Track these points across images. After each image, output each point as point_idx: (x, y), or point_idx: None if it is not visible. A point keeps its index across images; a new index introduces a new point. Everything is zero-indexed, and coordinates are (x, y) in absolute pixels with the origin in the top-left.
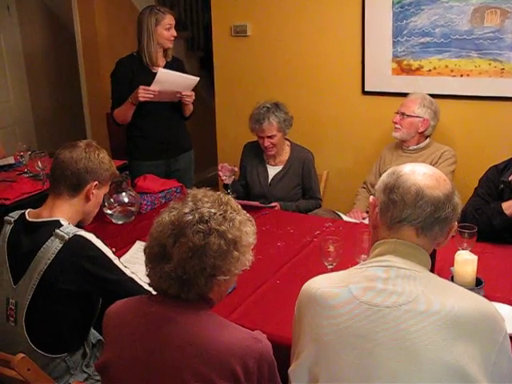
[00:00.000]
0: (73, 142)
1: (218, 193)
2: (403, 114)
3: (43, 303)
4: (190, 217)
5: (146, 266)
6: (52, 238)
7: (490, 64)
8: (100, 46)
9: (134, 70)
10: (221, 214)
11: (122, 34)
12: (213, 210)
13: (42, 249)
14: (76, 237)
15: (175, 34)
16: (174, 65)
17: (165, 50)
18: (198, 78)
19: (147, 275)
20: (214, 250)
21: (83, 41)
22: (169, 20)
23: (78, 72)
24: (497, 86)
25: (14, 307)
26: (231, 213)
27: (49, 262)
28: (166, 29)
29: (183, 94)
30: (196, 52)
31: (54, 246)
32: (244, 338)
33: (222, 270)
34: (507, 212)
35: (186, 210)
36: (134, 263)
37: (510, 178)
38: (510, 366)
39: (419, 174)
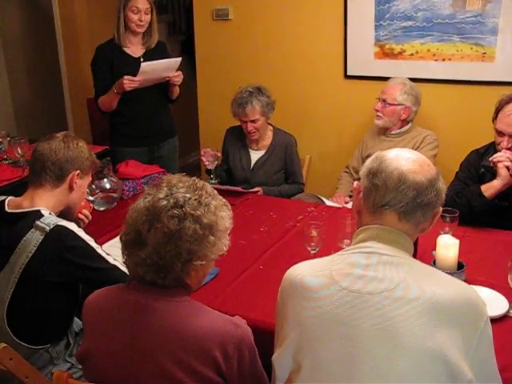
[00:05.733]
0: (50, 134)
1: (193, 178)
2: (384, 101)
3: (26, 296)
4: (165, 202)
5: (123, 253)
6: (32, 229)
7: (471, 48)
8: (80, 30)
9: (113, 55)
10: (196, 199)
11: (103, 17)
12: (188, 195)
13: (22, 241)
14: (57, 227)
15: (144, 18)
16: (155, 51)
17: (143, 38)
18: (179, 59)
19: (124, 263)
20: (189, 234)
21: (62, 25)
22: (136, 2)
23: (58, 57)
24: (478, 71)
25: None
26: (206, 198)
27: (30, 255)
28: (132, 11)
29: (170, 76)
30: (177, 36)
31: (34, 238)
32: (223, 323)
33: (198, 255)
34: (486, 194)
35: (161, 196)
36: (118, 247)
37: (489, 159)
38: (491, 351)
39: (403, 158)
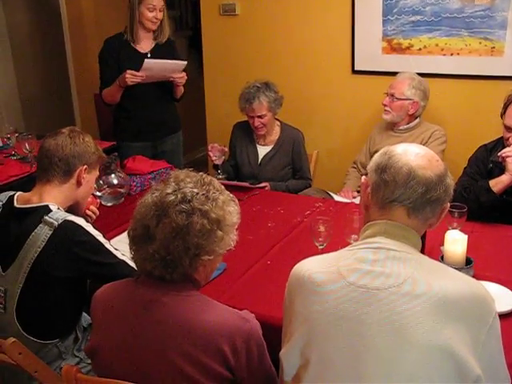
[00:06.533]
0: (56, 130)
1: (201, 173)
2: (392, 95)
3: (35, 291)
4: (173, 197)
5: (131, 248)
6: (41, 225)
7: (480, 43)
8: (87, 24)
9: (120, 50)
10: (203, 194)
11: (110, 13)
12: (195, 190)
13: (31, 236)
14: (65, 222)
15: (159, 16)
16: (164, 47)
17: (154, 32)
18: (185, 62)
19: (132, 258)
20: (197, 229)
21: (69, 19)
22: (152, 0)
23: (65, 52)
24: (487, 65)
25: (3, 294)
26: (214, 193)
27: (39, 250)
28: (148, 9)
29: (174, 76)
30: (184, 31)
31: (43, 233)
32: (231, 317)
33: (205, 250)
34: (494, 189)
35: (169, 191)
36: (126, 243)
37: (498, 154)
38: (499, 347)
39: (411, 154)
